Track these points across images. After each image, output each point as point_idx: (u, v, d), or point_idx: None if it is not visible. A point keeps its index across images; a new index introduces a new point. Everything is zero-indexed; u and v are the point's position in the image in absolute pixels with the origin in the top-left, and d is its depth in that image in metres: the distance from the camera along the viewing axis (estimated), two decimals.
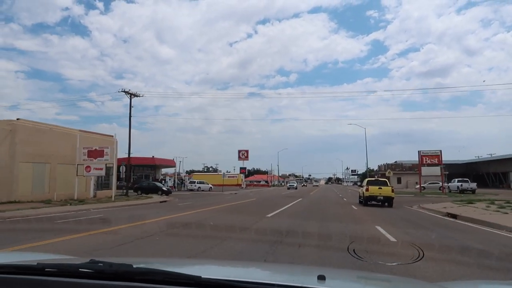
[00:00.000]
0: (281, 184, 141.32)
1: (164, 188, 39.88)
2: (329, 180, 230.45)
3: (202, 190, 56.38)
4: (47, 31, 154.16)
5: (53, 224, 13.38)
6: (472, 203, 23.00)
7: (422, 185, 52.34)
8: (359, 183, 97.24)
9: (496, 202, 22.82)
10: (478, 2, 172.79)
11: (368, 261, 6.67)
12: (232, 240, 9.54)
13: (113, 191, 28.34)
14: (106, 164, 28.05)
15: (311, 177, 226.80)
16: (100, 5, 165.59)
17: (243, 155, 76.73)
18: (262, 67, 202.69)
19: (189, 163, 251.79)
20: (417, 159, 74.04)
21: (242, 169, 77.63)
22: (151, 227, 11.94)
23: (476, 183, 47.19)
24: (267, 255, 7.18)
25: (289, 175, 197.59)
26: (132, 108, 36.02)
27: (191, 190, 55.79)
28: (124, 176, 38.31)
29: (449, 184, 48.48)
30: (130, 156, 68.89)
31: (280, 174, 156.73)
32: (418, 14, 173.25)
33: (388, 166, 77.50)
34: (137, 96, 36.83)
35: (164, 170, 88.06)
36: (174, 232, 11.19)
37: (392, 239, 9.95)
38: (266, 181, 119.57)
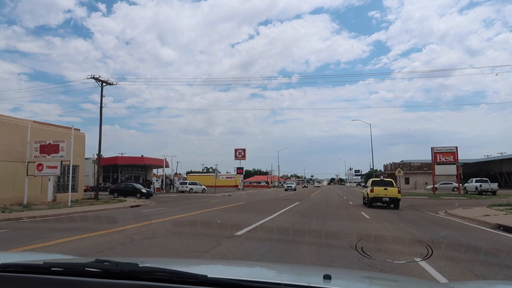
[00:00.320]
0: (282, 185, 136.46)
1: (143, 190, 34.81)
2: (331, 181, 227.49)
3: (195, 192, 51.27)
4: (49, 33, 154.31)
5: None
6: None
7: (427, 187, 47.18)
8: (363, 184, 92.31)
9: None
10: (480, 2, 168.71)
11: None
12: None
13: (69, 195, 23.17)
14: (62, 162, 22.91)
15: (313, 178, 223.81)
16: (103, 7, 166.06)
17: (240, 154, 71.50)
18: (264, 68, 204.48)
19: (190, 164, 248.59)
20: (425, 158, 68.86)
21: (239, 169, 72.36)
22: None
23: (497, 183, 41.75)
24: None
25: (291, 176, 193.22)
26: (104, 97, 30.86)
27: (182, 191, 50.65)
28: (97, 176, 33.11)
29: (466, 184, 43.07)
30: (118, 156, 64.23)
31: (281, 175, 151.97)
32: (420, 15, 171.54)
33: (395, 166, 72.06)
34: (110, 84, 31.72)
35: (158, 171, 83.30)
36: None
37: None
38: (267, 182, 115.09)
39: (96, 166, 63.80)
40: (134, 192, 34.73)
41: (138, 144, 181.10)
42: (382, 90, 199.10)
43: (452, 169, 42.53)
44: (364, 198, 24.02)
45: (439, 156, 42.37)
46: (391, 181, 22.78)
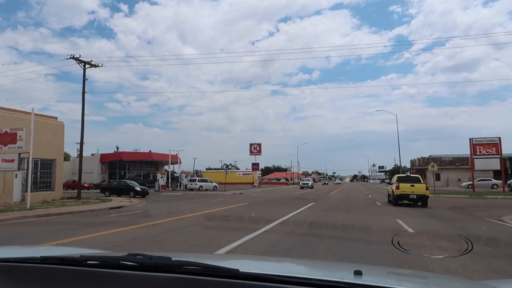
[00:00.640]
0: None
1: (138, 189, 30.39)
2: (354, 177, 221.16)
3: (206, 190, 46.79)
4: (74, 35, 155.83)
5: None
6: None
7: (470, 183, 41.23)
8: (387, 181, 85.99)
9: None
10: None
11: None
12: None
13: (28, 195, 18.78)
14: (20, 154, 18.58)
15: (335, 174, 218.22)
16: (125, 7, 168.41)
17: (255, 149, 66.75)
18: (284, 65, 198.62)
19: (209, 161, 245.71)
20: (456, 153, 62.35)
21: (255, 165, 67.66)
22: None
23: None
24: None
25: (312, 172, 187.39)
26: (86, 81, 26.51)
27: (192, 189, 46.19)
28: (79, 172, 28.86)
29: (510, 181, 36.96)
30: (123, 151, 60.38)
31: (301, 172, 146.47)
32: (443, 8, 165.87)
33: (423, 161, 65.70)
34: (95, 66, 27.34)
35: (174, 167, 79.41)
36: None
37: None
38: (286, 179, 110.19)
39: (101, 164, 60.47)
40: (127, 191, 30.40)
41: (161, 142, 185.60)
42: (405, 85, 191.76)
43: (491, 164, 36.54)
44: (389, 195, 22.31)
45: (479, 149, 36.31)
46: (418, 177, 21.24)
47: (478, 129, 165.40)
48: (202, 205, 20.81)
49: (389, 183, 26.05)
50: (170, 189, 46.29)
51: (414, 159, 74.23)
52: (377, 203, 22.78)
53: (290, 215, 14.55)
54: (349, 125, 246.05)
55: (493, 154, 35.86)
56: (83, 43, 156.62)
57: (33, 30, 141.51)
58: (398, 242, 6.99)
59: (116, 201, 24.81)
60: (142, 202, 24.87)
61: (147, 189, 31.38)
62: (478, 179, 45.61)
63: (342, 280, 1.27)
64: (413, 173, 62.42)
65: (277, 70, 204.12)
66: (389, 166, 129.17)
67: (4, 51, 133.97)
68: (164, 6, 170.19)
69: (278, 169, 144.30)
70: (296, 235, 10.00)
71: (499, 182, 41.26)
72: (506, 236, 10.07)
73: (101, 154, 56.34)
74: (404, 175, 23.74)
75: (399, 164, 54.67)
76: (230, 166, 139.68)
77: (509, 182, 37.00)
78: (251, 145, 66.93)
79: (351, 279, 1.31)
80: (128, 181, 32.49)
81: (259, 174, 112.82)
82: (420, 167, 65.08)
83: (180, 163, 70.54)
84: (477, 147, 36.32)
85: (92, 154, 57.34)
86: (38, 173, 23.65)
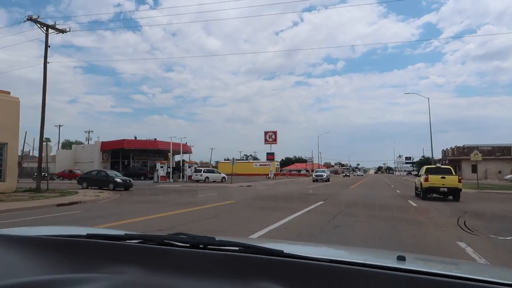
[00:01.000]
0: None
1: (118, 180, 25.36)
2: (379, 169, 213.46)
3: (214, 181, 41.65)
4: (101, 28, 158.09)
5: None
6: None
7: (506, 177, 34.49)
8: (414, 172, 78.67)
9: None
10: None
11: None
12: None
13: None
14: None
15: (359, 166, 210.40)
16: (150, 0, 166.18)
17: (271, 137, 60.97)
18: (308, 55, 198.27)
19: (229, 151, 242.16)
20: (492, 144, 54.80)
21: (270, 155, 61.93)
22: None
23: None
24: None
25: (335, 163, 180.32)
26: (49, 48, 21.42)
27: (197, 181, 41.11)
28: (40, 160, 23.94)
29: None
30: (124, 139, 55.67)
31: (323, 163, 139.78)
32: None
33: (458, 150, 58.31)
34: (61, 31, 22.22)
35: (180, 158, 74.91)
36: None
37: None
38: (307, 170, 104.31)
39: (101, 153, 55.98)
40: (106, 182, 25.43)
41: (185, 133, 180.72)
42: (433, 75, 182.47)
43: None
44: (416, 188, 21.11)
45: None
46: (450, 168, 20.11)
47: (510, 120, 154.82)
48: (166, 205, 15.41)
49: (417, 175, 23.91)
50: (171, 181, 41.30)
51: (447, 148, 66.75)
52: (411, 202, 16.83)
53: (300, 213, 10.43)
54: (375, 115, 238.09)
55: None
56: (109, 36, 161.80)
57: (62, 24, 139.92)
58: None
59: (82, 194, 19.89)
60: (114, 196, 20.01)
61: (129, 181, 26.29)
62: None
63: (384, 265, 1.23)
64: (445, 164, 55.44)
65: (301, 60, 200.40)
66: (416, 157, 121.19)
67: (35, 44, 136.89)
68: None
69: (299, 160, 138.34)
70: None
71: None
72: None
73: (102, 142, 51.99)
74: (433, 166, 22.28)
75: (430, 154, 47.87)
76: (249, 157, 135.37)
77: None
78: (266, 133, 61.23)
79: (393, 264, 1.28)
80: (108, 171, 27.46)
81: (278, 165, 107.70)
82: (454, 157, 57.84)
83: (191, 152, 65.81)
84: None
85: (91, 143, 53.05)
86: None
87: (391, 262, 1.31)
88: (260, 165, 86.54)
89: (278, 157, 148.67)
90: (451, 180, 17.90)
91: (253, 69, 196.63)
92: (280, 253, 1.26)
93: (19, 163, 58.71)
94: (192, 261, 1.26)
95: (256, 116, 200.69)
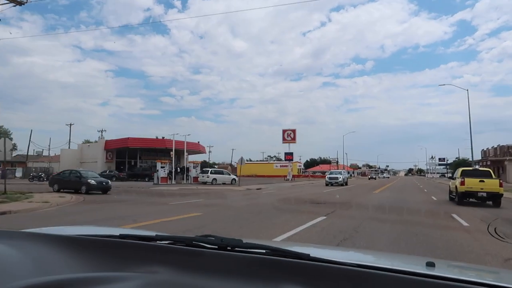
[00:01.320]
0: (350, 175, 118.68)
1: (92, 182, 21.26)
2: (409, 171, 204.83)
3: (223, 183, 37.35)
4: (131, 32, 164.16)
5: None
6: None
7: None
8: (448, 175, 71.48)
9: None
10: None
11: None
12: None
13: None
14: None
15: (388, 168, 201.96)
16: (178, 3, 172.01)
17: (289, 136, 55.98)
18: (336, 56, 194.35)
19: (253, 153, 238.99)
20: None
21: (288, 155, 56.81)
22: None
23: None
24: None
25: (363, 165, 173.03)
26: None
27: (204, 182, 36.89)
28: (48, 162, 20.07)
29: None
30: (129, 137, 52.08)
31: (349, 164, 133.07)
32: None
33: (501, 150, 51.39)
34: (18, 2, 18.33)
35: (193, 158, 71.08)
36: None
37: None
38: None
39: (105, 152, 52.57)
40: (78, 184, 21.44)
41: (212, 135, 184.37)
42: (467, 73, 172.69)
43: None
44: (450, 192, 19.40)
45: None
46: (489, 170, 18.54)
47: None
48: (121, 218, 10.99)
49: (451, 178, 22.21)
50: (173, 182, 37.16)
51: (487, 148, 59.61)
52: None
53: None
54: (405, 116, 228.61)
55: None
56: (139, 40, 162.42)
57: (94, 29, 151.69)
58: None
59: (34, 200, 15.91)
60: (74, 202, 16.19)
61: (106, 183, 22.15)
62: None
63: (412, 271, 1.20)
64: (486, 166, 48.88)
65: (329, 61, 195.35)
66: (450, 159, 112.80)
67: (69, 49, 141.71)
68: (216, 0, 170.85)
69: (324, 161, 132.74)
70: None
71: None
72: None
73: (106, 141, 48.57)
74: (470, 168, 21.07)
75: (466, 155, 41.65)
76: (273, 158, 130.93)
77: None
78: (284, 131, 56.31)
79: (422, 270, 1.24)
80: (82, 172, 23.34)
81: (300, 166, 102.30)
82: (496, 157, 50.99)
83: (204, 152, 61.76)
84: None
85: (96, 141, 49.74)
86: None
87: (420, 268, 1.29)
88: (280, 166, 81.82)
89: (304, 159, 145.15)
90: (491, 184, 16.68)
91: (280, 70, 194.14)
92: (306, 257, 1.26)
93: (24, 163, 56.68)
94: (220, 262, 1.27)
95: (283, 117, 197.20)
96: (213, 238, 1.41)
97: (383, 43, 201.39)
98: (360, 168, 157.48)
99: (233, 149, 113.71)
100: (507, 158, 46.00)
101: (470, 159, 39.39)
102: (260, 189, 31.34)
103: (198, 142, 56.54)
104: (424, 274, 1.13)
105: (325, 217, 10.80)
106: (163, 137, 49.24)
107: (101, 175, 44.23)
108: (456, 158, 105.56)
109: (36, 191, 21.00)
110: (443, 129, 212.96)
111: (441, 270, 1.30)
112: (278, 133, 55.68)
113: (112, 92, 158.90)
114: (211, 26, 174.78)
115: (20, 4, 18.66)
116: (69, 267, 1.26)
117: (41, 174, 40.12)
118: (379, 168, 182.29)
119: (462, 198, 16.95)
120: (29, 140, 51.25)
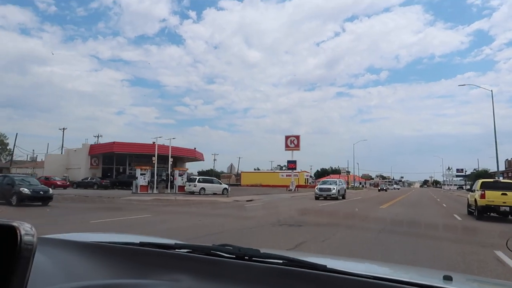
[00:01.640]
0: (362, 186, 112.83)
1: (25, 191, 16.94)
2: (424, 183, 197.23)
3: (214, 193, 32.83)
4: (147, 42, 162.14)
5: None
6: None
7: None
8: (467, 187, 65.33)
9: None
10: None
11: None
12: None
13: None
14: None
15: (403, 179, 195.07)
16: (193, 14, 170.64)
17: (292, 142, 51.11)
18: (350, 66, 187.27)
19: (261, 162, 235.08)
20: None
21: (291, 163, 51.86)
22: None
23: None
24: None
25: (376, 176, 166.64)
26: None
27: (192, 192, 32.36)
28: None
29: None
30: (115, 142, 47.85)
31: (361, 175, 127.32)
32: None
33: None
34: None
35: (190, 165, 66.60)
36: None
37: None
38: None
39: (90, 158, 48.52)
40: (10, 193, 17.27)
41: (226, 144, 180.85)
42: (484, 84, 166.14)
43: None
44: (469, 205, 17.97)
45: None
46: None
47: None
48: None
49: (470, 190, 20.38)
50: (155, 191, 32.75)
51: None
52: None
53: None
54: (420, 127, 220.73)
55: None
56: (155, 50, 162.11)
57: (111, 39, 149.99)
58: None
59: None
60: None
61: (45, 192, 17.79)
62: None
63: (430, 284, 1.23)
64: (509, 177, 43.34)
65: (343, 71, 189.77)
66: (468, 170, 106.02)
67: (87, 59, 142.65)
68: (230, 11, 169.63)
69: (335, 171, 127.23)
70: None
71: None
72: None
73: (90, 145, 44.63)
74: (491, 180, 19.26)
75: (486, 166, 36.35)
76: (283, 167, 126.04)
77: None
78: (286, 138, 51.44)
79: (440, 283, 1.27)
80: (16, 178, 18.95)
81: (308, 176, 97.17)
82: None
83: (202, 159, 57.47)
84: None
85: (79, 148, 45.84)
86: None
87: (437, 281, 1.29)
88: (286, 175, 76.88)
89: (317, 168, 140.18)
90: None
91: (294, 81, 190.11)
92: (323, 268, 1.26)
93: (7, 169, 53.34)
94: (239, 272, 1.28)
95: (297, 127, 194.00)
96: (231, 248, 1.43)
97: (398, 53, 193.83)
98: (373, 178, 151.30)
99: (239, 158, 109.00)
100: None
101: (491, 170, 34.11)
102: (251, 200, 26.87)
103: (195, 148, 52.54)
104: None
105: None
106: (153, 142, 44.86)
107: (81, 182, 40.64)
108: (474, 169, 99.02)
109: None
110: (460, 140, 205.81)
111: (459, 284, 1.30)
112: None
113: (128, 101, 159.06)
114: (225, 36, 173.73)
115: None
116: (91, 274, 1.29)
117: None
118: (393, 179, 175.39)
119: (482, 213, 15.67)
120: (14, 145, 47.86)
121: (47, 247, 1.43)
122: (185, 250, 1.46)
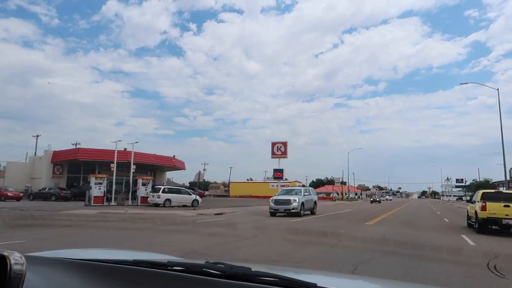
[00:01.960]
0: (358, 197, 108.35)
1: None
2: (423, 193, 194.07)
3: (184, 205, 28.39)
4: (148, 54, 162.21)
5: None
6: None
7: None
8: (467, 198, 60.98)
9: None
10: None
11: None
12: None
13: None
14: None
15: (400, 189, 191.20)
16: (193, 26, 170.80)
17: (279, 149, 47.04)
18: (348, 77, 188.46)
19: (254, 172, 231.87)
20: None
21: (277, 173, 47.72)
22: None
23: None
24: None
25: (373, 186, 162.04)
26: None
27: (157, 204, 27.85)
28: None
29: None
30: (79, 148, 43.34)
31: (357, 185, 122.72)
32: None
33: None
34: None
35: (171, 174, 62.30)
36: None
37: None
38: (337, 193, 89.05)
39: (52, 166, 43.94)
40: None
41: (224, 155, 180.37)
42: (482, 95, 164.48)
43: None
44: (469, 217, 16.84)
45: None
46: None
47: None
48: None
49: (470, 201, 18.03)
50: (112, 203, 28.33)
51: None
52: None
53: None
54: (418, 138, 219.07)
55: None
56: (155, 62, 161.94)
57: (112, 51, 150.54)
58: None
59: None
60: None
61: None
62: None
63: None
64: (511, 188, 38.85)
65: (341, 82, 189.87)
66: (469, 180, 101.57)
67: (88, 71, 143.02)
68: (231, 23, 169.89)
69: (330, 182, 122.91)
70: None
71: None
72: None
73: (54, 152, 40.15)
74: (492, 190, 18.28)
75: (487, 176, 31.92)
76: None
77: None
78: (273, 144, 47.38)
79: None
80: None
81: (301, 186, 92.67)
82: None
83: (183, 168, 53.01)
84: None
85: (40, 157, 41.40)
86: None
87: None
88: (277, 185, 72.63)
89: (314, 179, 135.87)
90: None
91: (293, 92, 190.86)
92: (313, 286, 1.26)
93: None
94: None
95: (295, 138, 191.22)
96: (223, 266, 1.44)
97: (396, 65, 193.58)
98: (369, 189, 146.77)
99: (231, 167, 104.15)
100: None
101: (494, 180, 29.83)
102: (220, 214, 22.73)
103: (174, 156, 48.01)
104: None
105: None
106: (125, 148, 40.43)
107: (38, 193, 36.07)
108: (474, 180, 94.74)
109: None
110: (459, 151, 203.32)
111: None
112: (290, 154, 47.74)
113: (128, 112, 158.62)
114: (225, 48, 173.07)
115: None
116: None
117: None
118: (390, 189, 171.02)
119: (483, 226, 14.66)
120: None
121: (37, 265, 1.38)
122: (179, 268, 1.45)
